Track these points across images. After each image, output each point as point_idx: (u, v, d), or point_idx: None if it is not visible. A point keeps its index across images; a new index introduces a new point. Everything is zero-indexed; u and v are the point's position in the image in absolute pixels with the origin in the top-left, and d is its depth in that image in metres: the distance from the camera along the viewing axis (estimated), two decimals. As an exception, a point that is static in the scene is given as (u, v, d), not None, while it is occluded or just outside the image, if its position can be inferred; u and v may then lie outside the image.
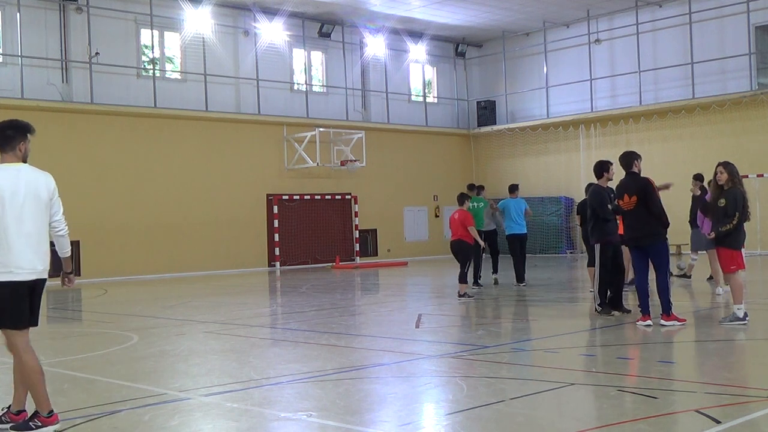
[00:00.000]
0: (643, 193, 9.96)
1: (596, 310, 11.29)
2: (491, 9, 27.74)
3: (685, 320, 10.07)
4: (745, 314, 9.86)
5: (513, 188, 16.99)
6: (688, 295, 13.90)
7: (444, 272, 23.03)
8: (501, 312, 12.77)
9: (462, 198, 14.79)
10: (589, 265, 15.00)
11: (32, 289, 5.83)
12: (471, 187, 17.42)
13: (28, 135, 5.98)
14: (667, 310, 9.95)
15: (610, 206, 11.07)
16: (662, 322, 9.91)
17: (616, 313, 11.10)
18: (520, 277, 16.37)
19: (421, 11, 27.64)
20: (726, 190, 9.97)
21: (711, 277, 14.91)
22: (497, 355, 8.40)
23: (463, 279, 14.23)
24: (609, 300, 11.22)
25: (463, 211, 14.44)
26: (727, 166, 10.04)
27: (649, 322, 9.90)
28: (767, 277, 17.82)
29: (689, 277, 15.83)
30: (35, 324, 5.88)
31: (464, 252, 14.25)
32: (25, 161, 6.01)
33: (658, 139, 26.86)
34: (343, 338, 10.09)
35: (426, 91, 32.04)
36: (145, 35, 24.77)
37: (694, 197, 15.28)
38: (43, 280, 5.93)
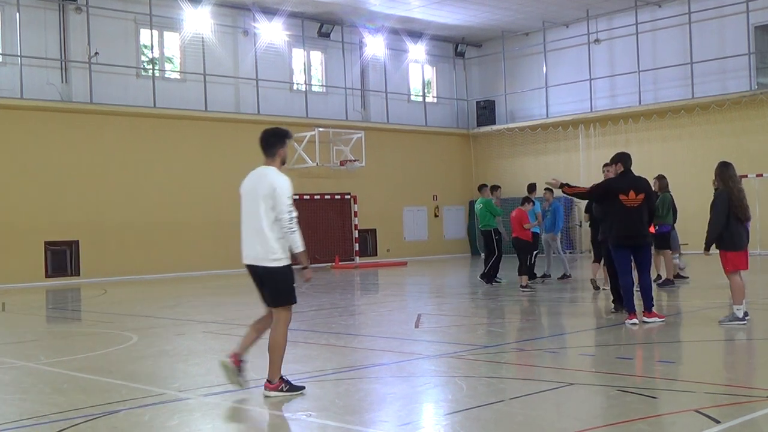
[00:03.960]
0: (649, 191, 10.04)
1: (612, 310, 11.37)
2: (490, 9, 27.74)
3: (665, 317, 10.31)
4: (745, 314, 9.85)
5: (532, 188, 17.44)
6: (691, 294, 13.89)
7: (443, 272, 23.02)
8: (500, 312, 12.77)
9: (523, 199, 15.84)
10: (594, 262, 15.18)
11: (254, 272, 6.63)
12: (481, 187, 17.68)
13: (286, 140, 6.80)
14: (649, 307, 10.14)
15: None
16: (644, 318, 10.11)
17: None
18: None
19: (420, 11, 27.64)
20: (715, 191, 10.02)
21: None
22: (497, 355, 8.40)
23: (522, 272, 15.18)
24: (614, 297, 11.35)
25: (520, 210, 15.45)
26: (717, 168, 9.98)
27: (635, 320, 10.00)
28: (767, 277, 17.80)
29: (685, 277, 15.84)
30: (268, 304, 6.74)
31: (520, 249, 15.28)
32: (283, 164, 6.87)
33: (658, 139, 26.87)
34: (343, 338, 10.08)
35: (425, 91, 32.04)
36: (145, 35, 24.77)
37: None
38: (262, 267, 6.54)
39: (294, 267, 6.64)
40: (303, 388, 6.72)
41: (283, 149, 6.79)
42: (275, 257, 6.51)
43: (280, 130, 6.84)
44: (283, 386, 6.62)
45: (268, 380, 6.65)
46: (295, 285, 6.64)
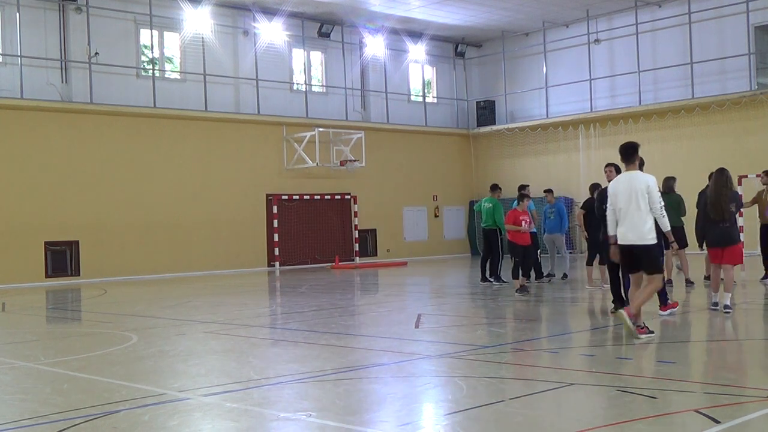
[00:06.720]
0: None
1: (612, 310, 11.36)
2: (490, 9, 27.74)
3: (677, 304, 11.12)
4: (715, 304, 10.91)
5: (520, 188, 17.29)
6: (690, 294, 13.89)
7: (443, 272, 23.03)
8: (500, 312, 12.77)
9: (518, 198, 15.74)
10: (587, 264, 15.28)
11: (631, 249, 9.00)
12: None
13: (638, 149, 9.09)
14: (665, 302, 10.79)
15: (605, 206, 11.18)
16: (660, 312, 10.68)
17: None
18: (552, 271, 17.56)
19: (420, 11, 27.64)
20: None
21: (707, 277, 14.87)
22: (497, 355, 8.40)
23: (516, 275, 14.94)
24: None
25: (513, 210, 15.34)
26: None
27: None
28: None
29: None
30: (639, 271, 9.15)
31: (512, 250, 15.15)
32: (641, 168, 9.24)
33: (658, 139, 26.84)
34: (343, 338, 10.08)
35: (425, 91, 32.03)
36: (145, 35, 24.77)
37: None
38: (640, 245, 8.92)
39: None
40: (653, 332, 8.86)
41: (638, 156, 9.10)
42: (651, 237, 8.90)
43: (634, 143, 9.15)
44: (640, 323, 8.82)
45: (630, 312, 8.81)
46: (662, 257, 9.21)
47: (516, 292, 14.56)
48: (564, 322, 11.35)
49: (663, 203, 8.88)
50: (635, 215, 8.84)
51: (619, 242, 9.08)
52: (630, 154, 9.08)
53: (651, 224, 8.92)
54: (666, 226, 8.90)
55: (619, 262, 9.35)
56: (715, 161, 10.72)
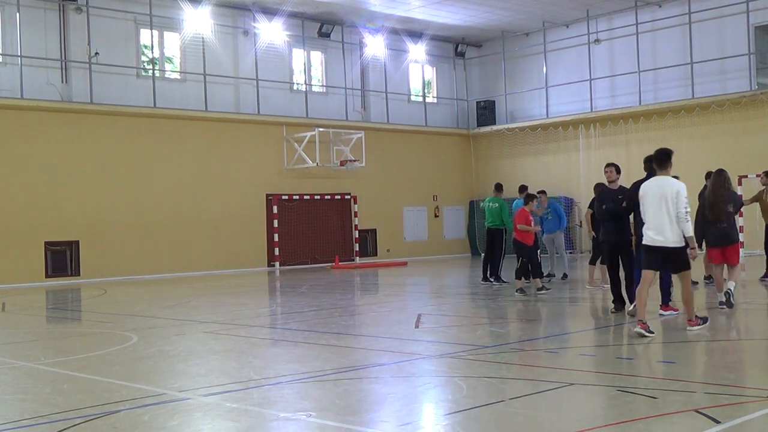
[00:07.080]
0: None
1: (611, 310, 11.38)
2: (491, 9, 27.74)
3: (678, 310, 10.82)
4: (720, 302, 11.13)
5: (522, 189, 17.38)
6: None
7: (443, 272, 23.02)
8: (500, 312, 12.77)
9: (525, 198, 15.59)
10: (590, 263, 15.30)
11: (660, 251, 9.19)
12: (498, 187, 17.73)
13: (672, 156, 9.35)
14: (666, 302, 10.82)
15: (604, 207, 11.20)
16: (661, 311, 10.73)
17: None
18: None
19: (420, 11, 27.64)
20: None
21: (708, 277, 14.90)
22: (497, 355, 8.40)
23: (518, 275, 14.91)
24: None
25: (522, 210, 15.23)
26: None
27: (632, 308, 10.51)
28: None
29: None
30: (657, 269, 9.54)
31: (518, 250, 15.07)
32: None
33: (658, 139, 26.76)
34: (343, 338, 10.08)
35: (425, 91, 32.03)
36: (145, 35, 24.77)
37: None
38: (668, 248, 9.13)
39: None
40: (708, 318, 9.58)
41: (671, 163, 9.35)
42: (679, 240, 9.14)
43: (668, 150, 9.42)
44: (700, 321, 9.32)
45: (689, 320, 9.32)
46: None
47: (516, 291, 14.54)
48: (564, 322, 11.35)
49: (689, 210, 9.03)
50: (664, 220, 9.07)
51: (646, 243, 9.25)
52: (663, 160, 9.31)
53: (679, 229, 9.15)
54: (688, 231, 9.03)
55: (647, 261, 9.36)
56: (715, 161, 10.75)
